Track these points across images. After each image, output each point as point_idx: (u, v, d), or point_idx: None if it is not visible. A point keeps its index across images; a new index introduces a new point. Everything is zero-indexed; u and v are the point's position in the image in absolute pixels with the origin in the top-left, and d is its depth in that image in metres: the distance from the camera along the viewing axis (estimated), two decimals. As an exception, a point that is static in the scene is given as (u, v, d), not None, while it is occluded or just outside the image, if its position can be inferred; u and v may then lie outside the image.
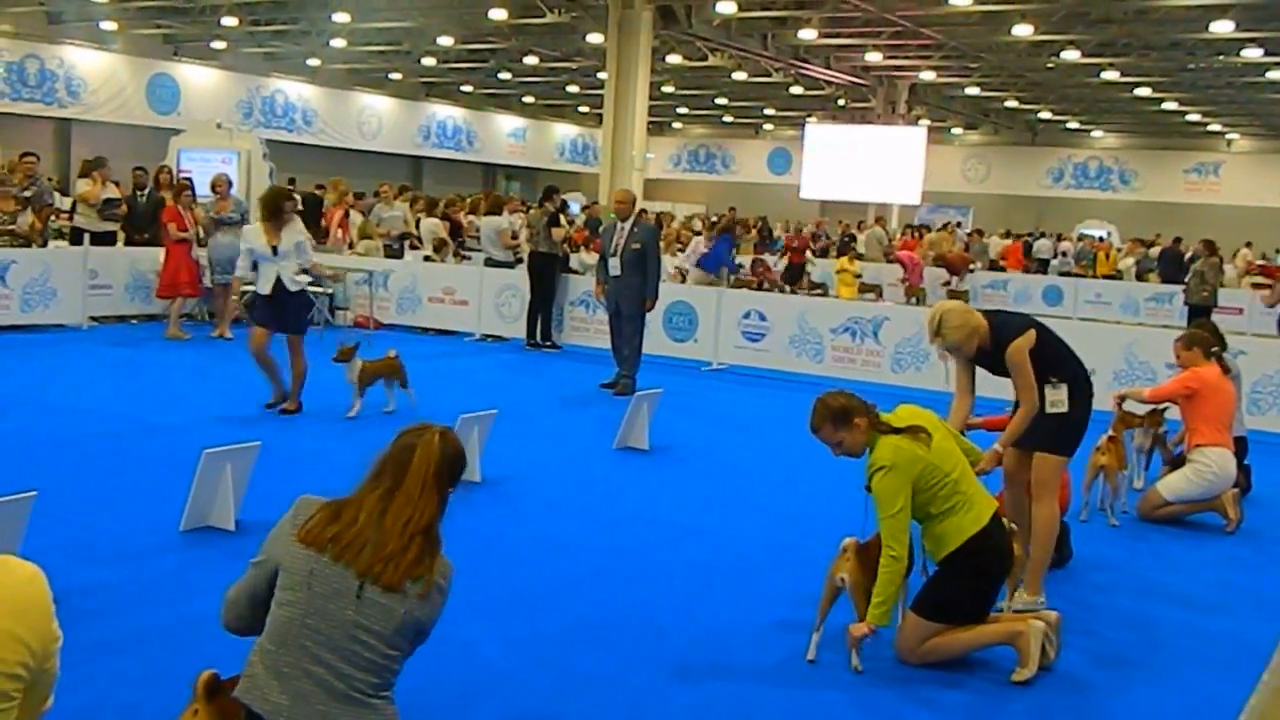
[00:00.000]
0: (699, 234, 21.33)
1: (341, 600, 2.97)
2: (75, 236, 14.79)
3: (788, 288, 21.41)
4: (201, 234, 14.00)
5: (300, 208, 10.59)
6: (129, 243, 14.93)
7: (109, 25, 31.17)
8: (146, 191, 15.16)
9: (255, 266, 9.53)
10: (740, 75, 33.36)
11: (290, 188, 15.42)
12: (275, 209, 9.52)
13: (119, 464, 7.72)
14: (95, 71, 32.00)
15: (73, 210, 15.72)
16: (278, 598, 3.02)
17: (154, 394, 10.40)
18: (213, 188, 13.98)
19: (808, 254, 23.57)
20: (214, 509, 6.48)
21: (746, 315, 13.59)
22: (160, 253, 14.01)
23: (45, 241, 14.04)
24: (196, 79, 34.44)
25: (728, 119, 47.75)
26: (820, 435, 4.90)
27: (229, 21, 29.78)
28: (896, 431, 4.78)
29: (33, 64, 30.44)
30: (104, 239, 14.63)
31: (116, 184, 15.64)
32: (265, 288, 9.39)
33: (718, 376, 13.31)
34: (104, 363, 11.94)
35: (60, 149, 31.51)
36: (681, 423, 10.00)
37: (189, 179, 15.11)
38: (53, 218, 15.60)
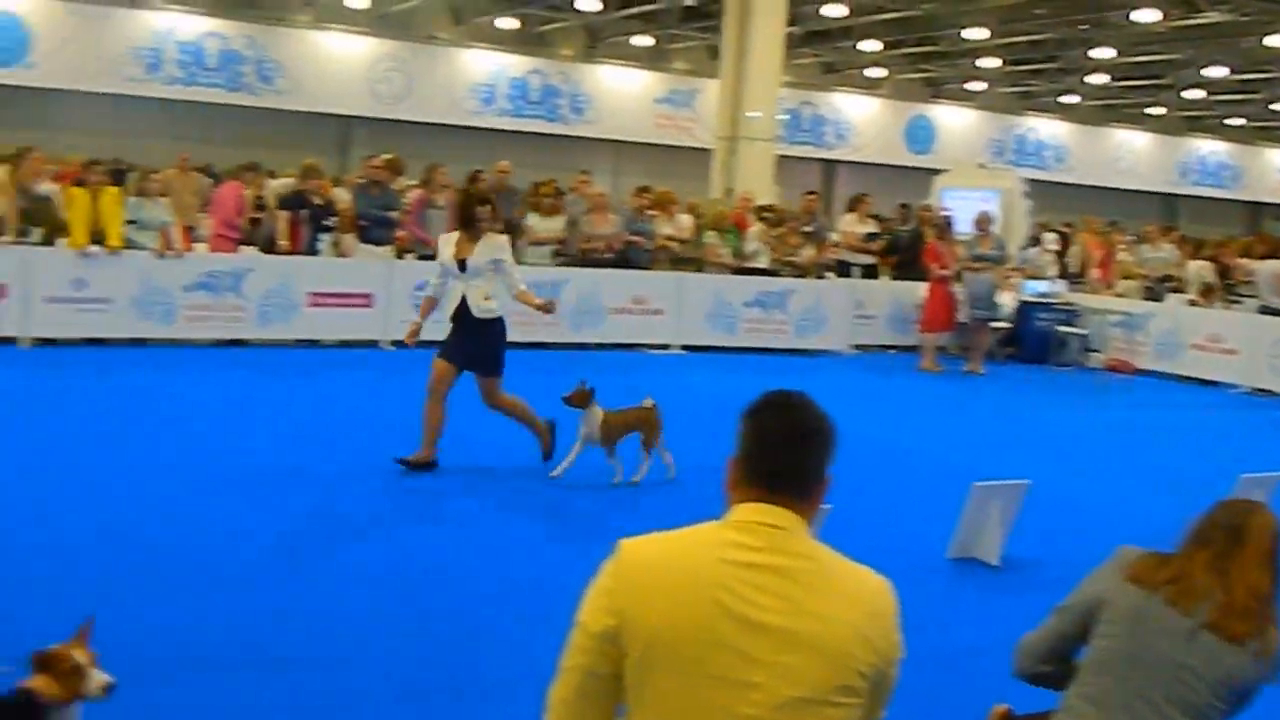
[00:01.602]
0: None
1: (1172, 639, 2.92)
2: (839, 268, 15.90)
3: None
4: (959, 271, 14.36)
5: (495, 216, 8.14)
6: (894, 276, 15.74)
7: (876, 72, 33.15)
8: (910, 227, 15.89)
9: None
10: None
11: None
12: (466, 216, 7.84)
13: (888, 485, 8.08)
14: (860, 115, 34.18)
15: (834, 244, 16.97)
16: (1099, 631, 3.02)
17: (903, 420, 10.81)
18: (977, 225, 14.29)
19: None
20: (980, 541, 6.55)
21: None
22: (919, 287, 14.59)
23: (821, 273, 15.22)
24: (951, 120, 35.47)
25: None
26: None
27: (987, 63, 30.30)
28: None
29: (807, 110, 33.22)
30: (867, 271, 15.61)
31: (875, 218, 16.60)
32: (449, 310, 7.78)
33: None
34: (860, 389, 12.63)
35: (825, 187, 34.06)
36: None
37: (949, 217, 15.59)
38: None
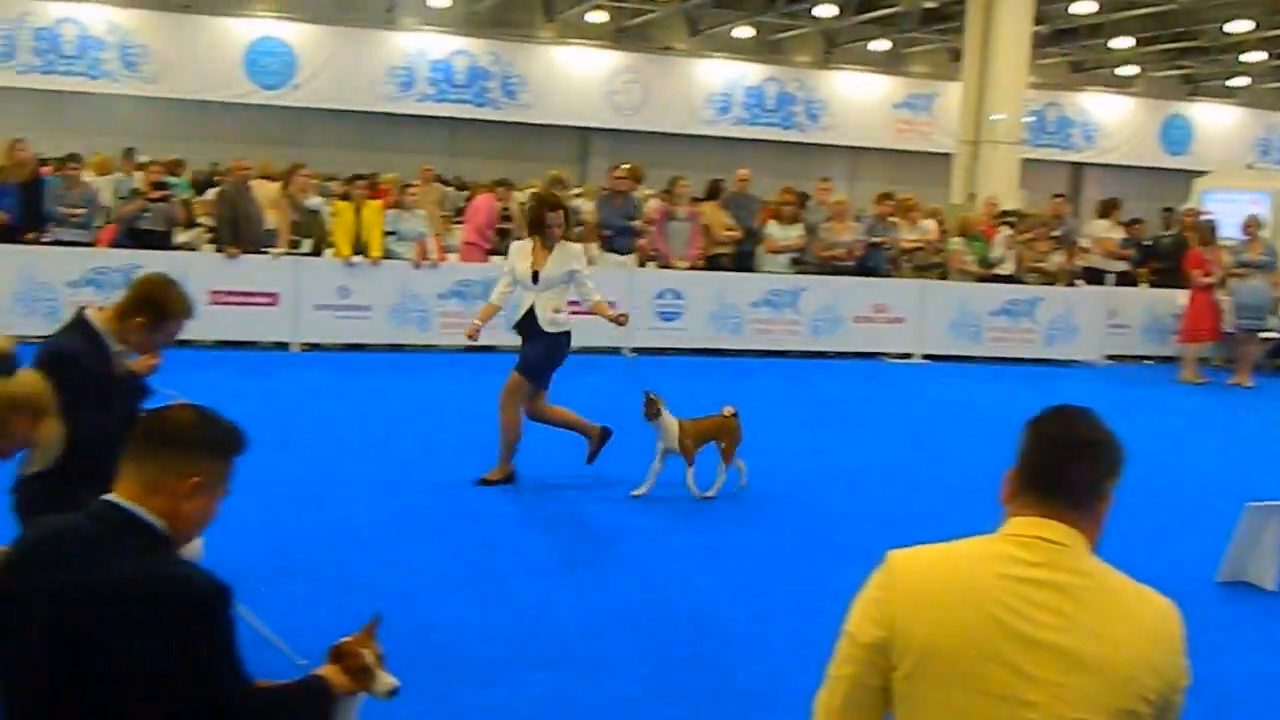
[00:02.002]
0: None
1: None
2: (1090, 275, 15.23)
3: None
4: (1223, 278, 13.57)
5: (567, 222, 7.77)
6: (1153, 284, 15.02)
7: (1128, 70, 31.71)
8: (1172, 234, 15.13)
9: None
10: None
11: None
12: (536, 220, 7.35)
13: (1149, 503, 7.69)
14: (1110, 116, 32.76)
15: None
16: None
17: (1164, 435, 10.29)
18: (1245, 229, 13.49)
19: None
20: (1254, 565, 6.19)
21: None
22: (1179, 294, 13.87)
23: (1071, 280, 14.64)
24: (1211, 118, 33.57)
25: None
26: None
27: (1252, 57, 28.54)
28: None
29: (1052, 111, 32.06)
30: (1121, 278, 14.93)
31: (1125, 225, 15.84)
32: (515, 319, 7.33)
33: None
34: (1115, 400, 12.08)
35: (1072, 191, 32.78)
36: None
37: (1213, 221, 14.74)
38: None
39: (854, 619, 2.26)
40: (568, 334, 7.30)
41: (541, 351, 7.21)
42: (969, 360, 13.80)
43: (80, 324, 4.31)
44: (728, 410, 7.27)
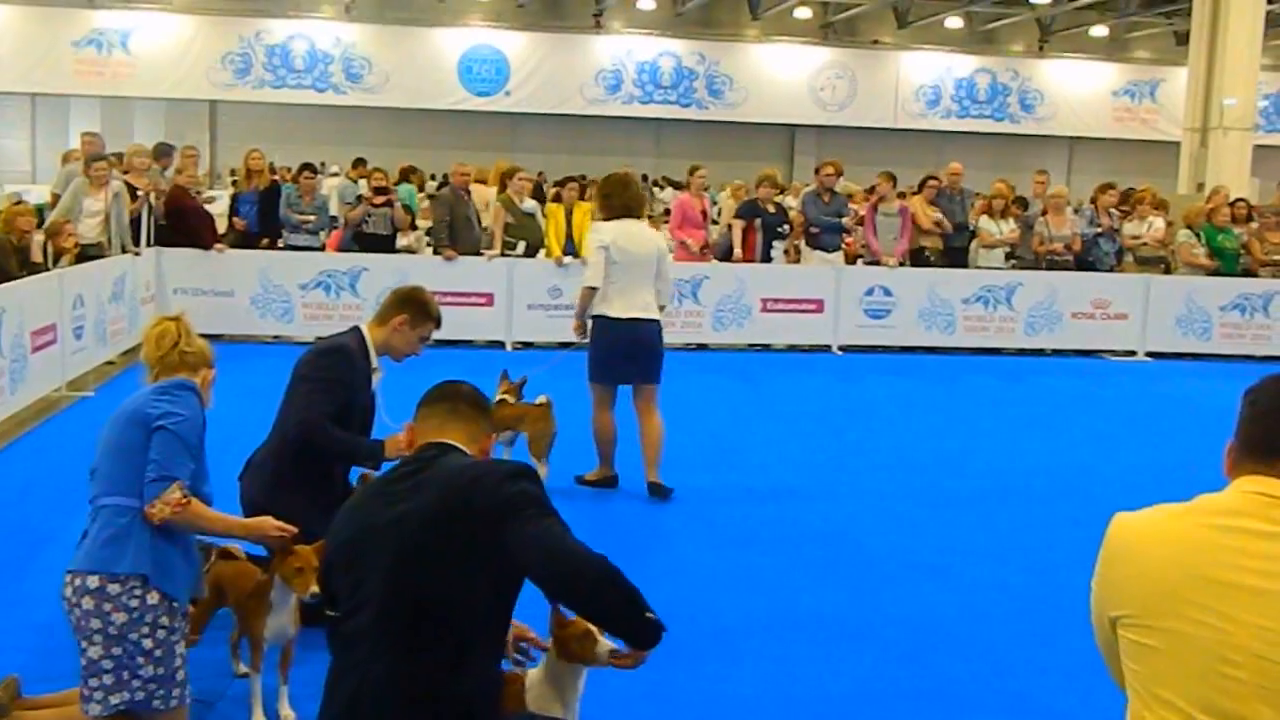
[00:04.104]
0: None
1: None
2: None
3: None
4: None
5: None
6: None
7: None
8: None
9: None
10: None
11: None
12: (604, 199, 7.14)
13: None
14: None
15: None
16: None
17: None
18: None
19: None
20: None
21: None
22: None
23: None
24: None
25: None
26: None
27: None
28: None
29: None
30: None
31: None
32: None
33: None
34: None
35: (1310, 179, 30.83)
36: None
37: None
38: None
39: (1093, 588, 2.38)
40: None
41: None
42: (1198, 358, 13.14)
43: (357, 336, 4.79)
44: (541, 399, 6.76)
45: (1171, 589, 2.20)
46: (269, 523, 3.73)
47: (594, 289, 6.78)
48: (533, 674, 3.11)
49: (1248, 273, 13.63)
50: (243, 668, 4.12)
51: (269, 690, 3.85)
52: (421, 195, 16.41)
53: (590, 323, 6.86)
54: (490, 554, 2.74)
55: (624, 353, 6.78)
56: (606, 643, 2.96)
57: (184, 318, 3.79)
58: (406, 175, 16.38)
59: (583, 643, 3.01)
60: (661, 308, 6.96)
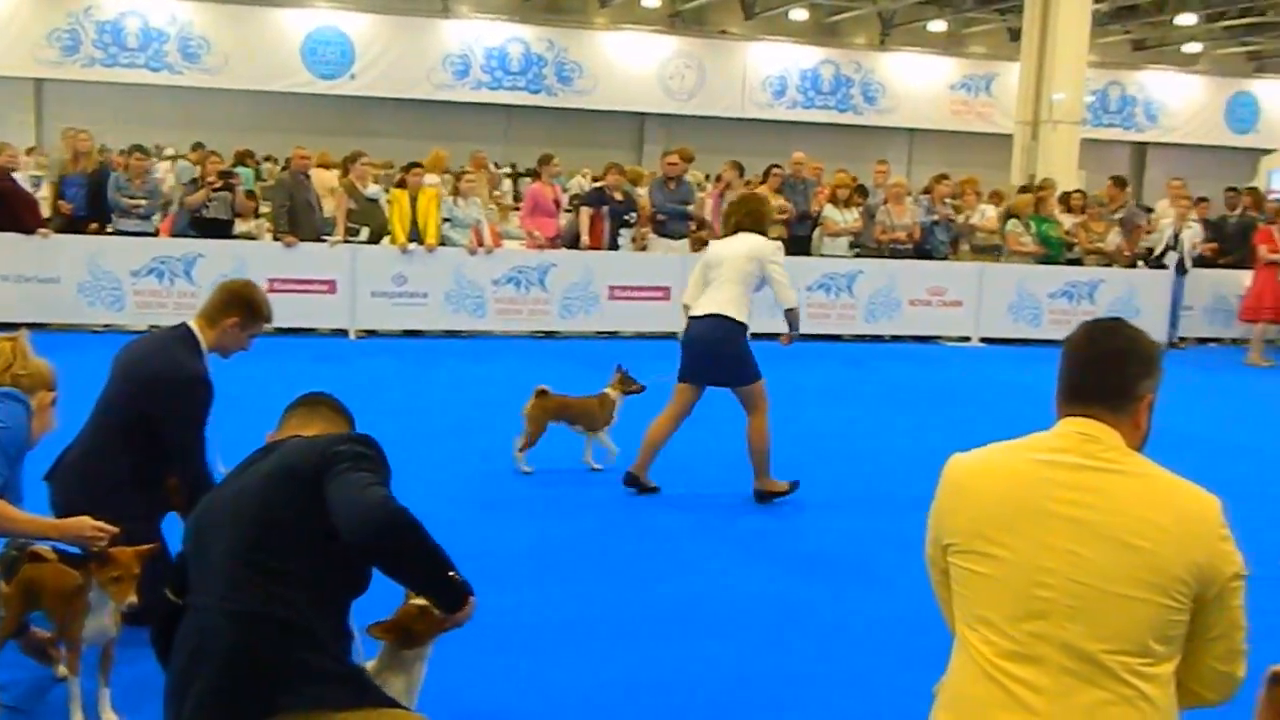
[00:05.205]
0: None
1: None
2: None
3: None
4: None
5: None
6: (1220, 265, 14.75)
7: (1192, 48, 31.12)
8: (1237, 214, 14.84)
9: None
10: None
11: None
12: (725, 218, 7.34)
13: (1216, 485, 7.59)
14: (1174, 94, 32.17)
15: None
16: None
17: (1232, 417, 10.15)
18: (1313, 208, 13.22)
19: None
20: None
21: None
22: (1246, 276, 13.61)
23: (1134, 262, 14.42)
24: (1278, 95, 32.86)
25: None
26: None
27: (1322, 31, 27.95)
28: None
29: (1114, 90, 31.58)
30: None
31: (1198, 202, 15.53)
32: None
33: None
34: (1181, 383, 11.85)
35: (1135, 171, 32.29)
36: None
37: (1280, 200, 14.47)
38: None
39: (928, 523, 2.58)
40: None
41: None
42: (1029, 343, 13.65)
43: (188, 337, 4.55)
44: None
45: (998, 517, 2.39)
46: (86, 523, 3.57)
47: (685, 306, 6.94)
48: (370, 666, 3.06)
49: (1076, 261, 14.21)
50: (62, 670, 3.95)
51: (89, 694, 3.70)
52: (262, 183, 15.99)
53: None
54: (319, 515, 2.74)
55: (691, 350, 6.79)
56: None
57: (21, 338, 3.60)
58: (243, 159, 15.92)
59: (425, 619, 2.97)
60: (790, 310, 6.87)
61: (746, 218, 6.93)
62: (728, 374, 6.70)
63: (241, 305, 4.58)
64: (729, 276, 6.71)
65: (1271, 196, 15.04)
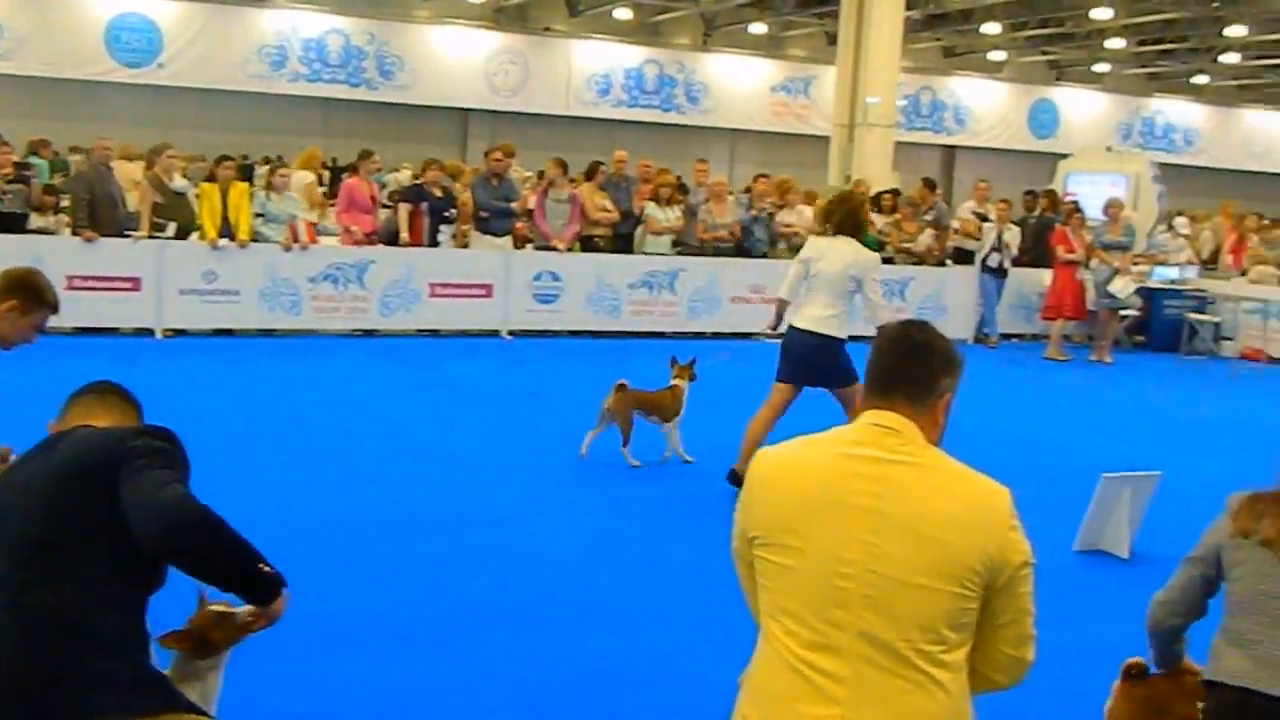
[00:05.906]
0: None
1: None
2: (960, 256, 15.51)
3: None
4: (1087, 258, 14.00)
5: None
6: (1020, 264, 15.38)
7: (997, 55, 32.48)
8: (1036, 214, 15.54)
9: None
10: None
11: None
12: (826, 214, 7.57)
13: (1011, 475, 7.89)
14: (981, 100, 33.52)
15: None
16: (1228, 577, 3.12)
17: (1029, 410, 10.59)
18: (1106, 210, 13.92)
19: None
20: (1108, 534, 6.40)
21: None
22: (1045, 274, 14.26)
23: (943, 261, 14.95)
24: (1076, 103, 34.56)
25: None
26: None
27: (1115, 44, 29.46)
28: None
29: (926, 95, 32.70)
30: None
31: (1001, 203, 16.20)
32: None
33: None
34: (983, 377, 12.34)
35: (945, 173, 33.50)
36: None
37: (1076, 202, 15.17)
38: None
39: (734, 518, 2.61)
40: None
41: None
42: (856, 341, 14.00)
43: None
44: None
45: (801, 509, 2.44)
46: None
47: (784, 300, 7.25)
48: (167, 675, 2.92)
49: (888, 260, 14.64)
50: None
51: None
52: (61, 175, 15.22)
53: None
54: (114, 513, 2.59)
55: (790, 356, 7.12)
56: (239, 609, 2.81)
57: None
58: (36, 149, 15.12)
59: (223, 626, 2.84)
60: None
61: (848, 218, 7.13)
62: (828, 379, 7.09)
63: (22, 288, 4.28)
64: (830, 287, 6.99)
65: (1068, 198, 15.74)
